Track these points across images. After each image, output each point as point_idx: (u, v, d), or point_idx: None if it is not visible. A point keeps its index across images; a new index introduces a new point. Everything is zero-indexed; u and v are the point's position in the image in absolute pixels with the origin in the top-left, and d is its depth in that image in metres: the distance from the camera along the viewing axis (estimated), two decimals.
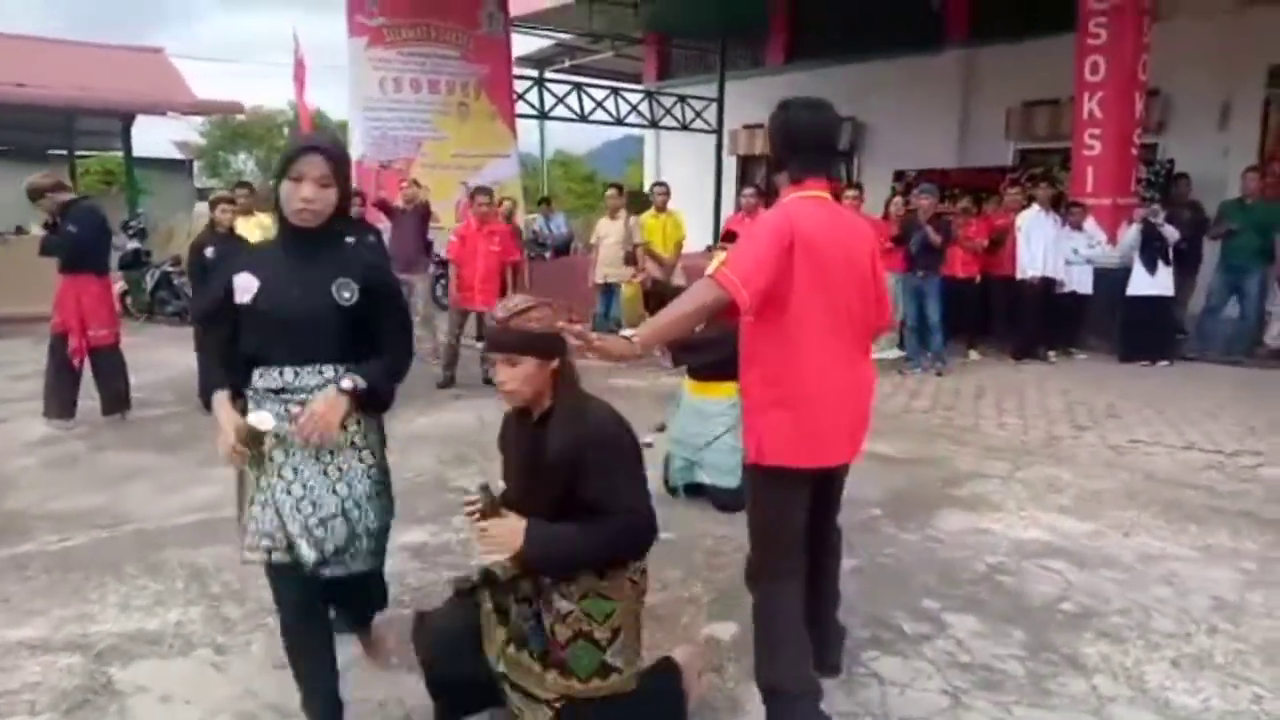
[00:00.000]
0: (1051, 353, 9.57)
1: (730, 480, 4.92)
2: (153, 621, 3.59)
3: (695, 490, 5.09)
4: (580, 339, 2.58)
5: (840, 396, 2.84)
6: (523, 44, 19.11)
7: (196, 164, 31.92)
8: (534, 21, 16.74)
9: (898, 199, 9.90)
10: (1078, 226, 9.63)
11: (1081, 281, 9.67)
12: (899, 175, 14.32)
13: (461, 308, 8.32)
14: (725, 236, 5.30)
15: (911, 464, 5.89)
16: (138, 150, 24.03)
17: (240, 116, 27.83)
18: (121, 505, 4.96)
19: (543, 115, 14.35)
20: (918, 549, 4.45)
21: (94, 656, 3.32)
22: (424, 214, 9.20)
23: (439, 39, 12.65)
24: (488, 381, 8.22)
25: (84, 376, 6.75)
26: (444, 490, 5.24)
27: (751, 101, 16.40)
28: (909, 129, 14.40)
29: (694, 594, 3.91)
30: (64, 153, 17.18)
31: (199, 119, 30.67)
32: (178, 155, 30.70)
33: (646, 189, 16.69)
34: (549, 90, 14.53)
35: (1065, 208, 9.87)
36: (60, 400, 6.64)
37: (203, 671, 3.25)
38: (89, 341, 6.69)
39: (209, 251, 7.13)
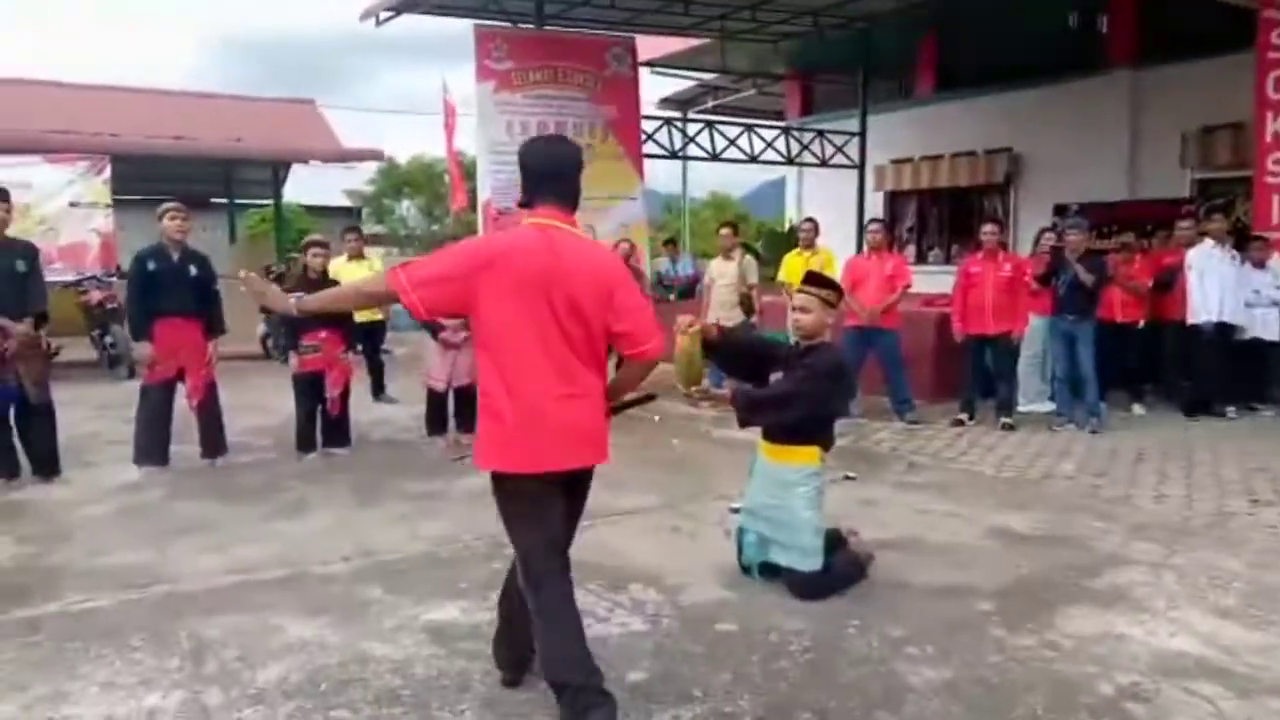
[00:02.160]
0: (1230, 408, 8.35)
1: (810, 563, 4.24)
2: (125, 707, 3.24)
3: (772, 570, 4.40)
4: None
5: (544, 414, 3.00)
6: (664, 86, 18.99)
7: (364, 211, 33.25)
8: (670, 64, 16.49)
9: (1047, 235, 8.91)
10: (1261, 264, 8.42)
11: (1266, 326, 8.43)
12: (1060, 210, 13.15)
13: None
14: (807, 278, 4.64)
15: (1042, 543, 5.01)
16: (311, 199, 25.34)
17: (388, 163, 29.01)
18: (163, 563, 4.72)
19: (673, 155, 13.97)
20: (1030, 660, 3.63)
21: None
22: None
23: (566, 81, 12.48)
24: None
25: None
26: (495, 560, 4.75)
27: (899, 135, 15.59)
28: (1070, 160, 13.26)
29: (736, 709, 3.24)
30: (225, 201, 18.02)
31: (369, 169, 32.08)
32: (347, 203, 32.11)
33: (792, 228, 16.17)
34: (679, 130, 14.13)
35: (1246, 243, 8.65)
36: (152, 446, 6.58)
37: None
38: (199, 382, 6.67)
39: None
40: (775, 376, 4.43)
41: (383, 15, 12.10)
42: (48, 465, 6.26)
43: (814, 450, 4.34)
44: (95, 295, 11.06)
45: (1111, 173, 12.81)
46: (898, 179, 16.04)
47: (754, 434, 4.50)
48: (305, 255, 7.29)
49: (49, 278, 11.47)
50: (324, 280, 7.13)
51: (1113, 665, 3.57)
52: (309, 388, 7.06)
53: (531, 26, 12.47)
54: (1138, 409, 8.59)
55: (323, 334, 6.95)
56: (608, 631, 3.88)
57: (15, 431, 6.21)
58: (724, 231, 9.51)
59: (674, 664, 3.58)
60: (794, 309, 4.46)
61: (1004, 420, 7.99)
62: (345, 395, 7.19)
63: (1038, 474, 6.52)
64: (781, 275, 9.25)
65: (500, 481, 3.11)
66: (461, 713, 3.21)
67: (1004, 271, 7.98)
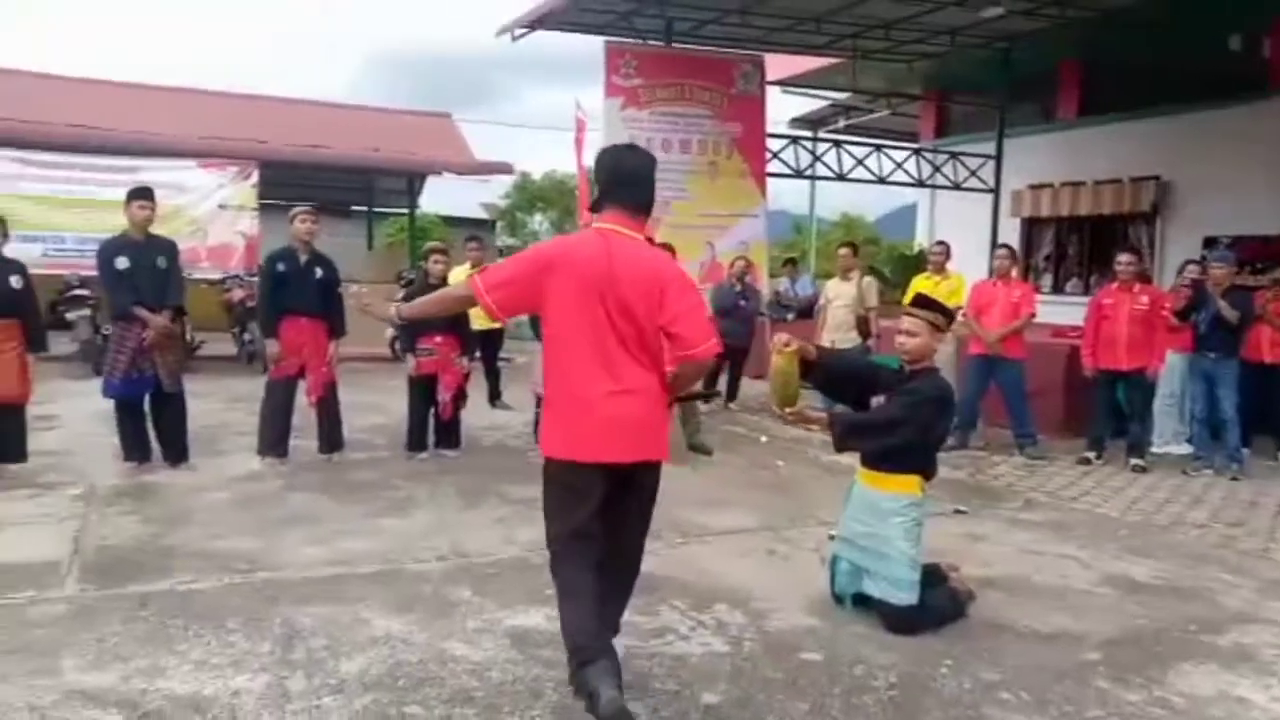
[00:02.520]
0: None
1: (904, 596, 4.07)
2: (213, 685, 3.35)
3: (865, 601, 4.24)
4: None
5: (590, 406, 3.16)
6: (796, 105, 18.83)
7: (498, 224, 34.13)
8: (802, 83, 16.32)
9: (1191, 267, 8.40)
10: None
11: None
12: (1210, 242, 12.40)
13: None
14: (915, 301, 4.48)
15: (1163, 594, 4.70)
16: (449, 210, 26.15)
17: (523, 178, 29.86)
18: (269, 551, 4.89)
19: (798, 174, 13.80)
20: (1135, 716, 3.38)
21: (136, 719, 3.09)
22: None
23: (693, 98, 12.51)
24: (693, 448, 7.71)
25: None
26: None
27: (1038, 159, 15.01)
28: (1224, 189, 12.46)
29: None
30: (364, 209, 18.73)
31: (505, 183, 32.98)
32: (483, 215, 33.02)
33: (920, 252, 15.75)
34: (806, 149, 13.96)
35: None
36: (274, 439, 6.84)
37: None
38: (319, 380, 6.91)
39: None
40: (877, 401, 4.29)
41: (517, 32, 12.40)
42: (177, 451, 6.57)
43: (914, 479, 4.17)
44: (237, 293, 11.64)
45: (1268, 204, 11.98)
46: (1035, 205, 15.39)
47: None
48: (426, 262, 7.47)
49: (197, 276, 12.37)
50: (444, 285, 7.31)
51: None
52: (423, 390, 7.23)
53: (661, 44, 12.56)
54: None
55: (438, 338, 7.12)
56: (688, 650, 3.82)
57: (150, 418, 6.55)
58: (842, 251, 9.31)
59: (752, 689, 3.48)
60: (900, 332, 4.30)
61: (1134, 461, 7.55)
62: (457, 399, 7.35)
63: (1166, 520, 6.12)
64: (907, 300, 8.97)
65: (547, 466, 3.31)
66: (530, 718, 3.20)
67: (1140, 304, 7.55)
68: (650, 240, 8.04)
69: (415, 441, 7.25)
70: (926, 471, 4.22)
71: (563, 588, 3.28)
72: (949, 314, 4.43)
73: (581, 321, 3.16)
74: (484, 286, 3.27)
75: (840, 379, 4.48)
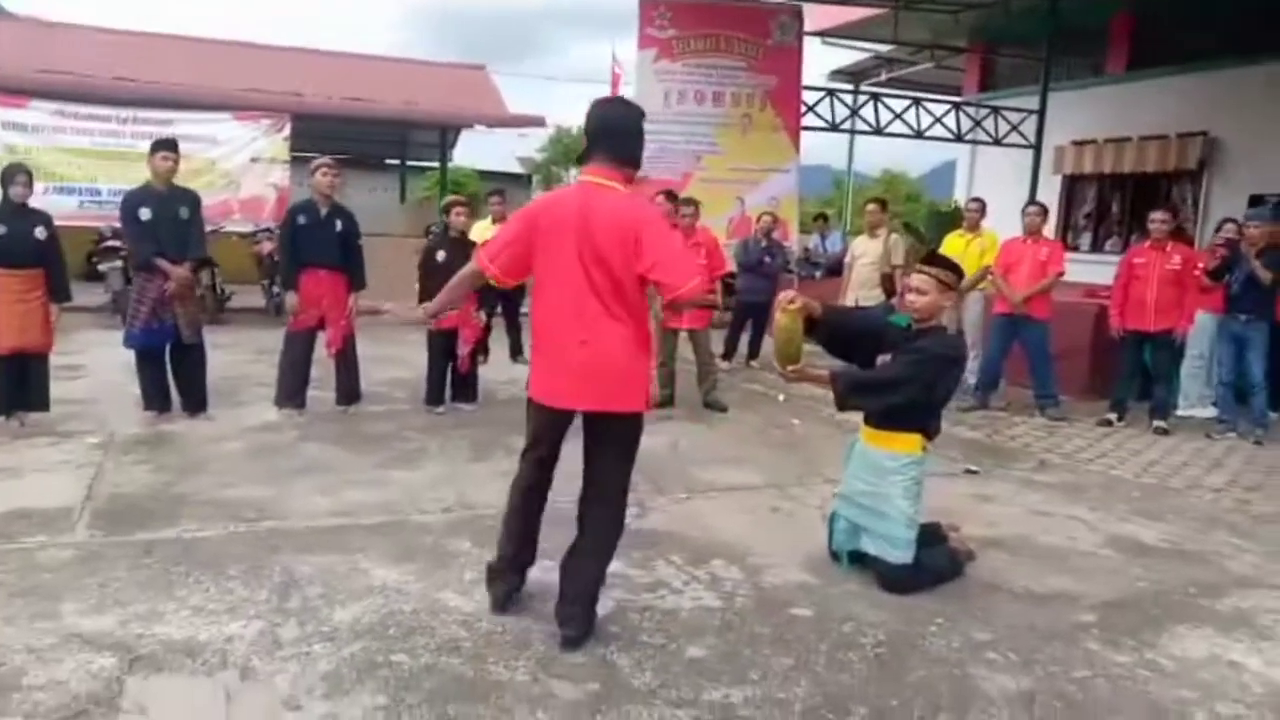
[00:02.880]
0: None
1: (900, 554, 4.06)
2: (208, 631, 3.43)
3: (862, 559, 4.23)
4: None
5: (563, 354, 3.34)
6: (837, 57, 18.47)
7: (534, 177, 34.04)
8: (844, 34, 16.00)
9: (1228, 225, 8.17)
10: None
11: None
12: (1257, 201, 12.05)
13: (669, 328, 7.74)
14: (925, 259, 4.39)
15: (1168, 557, 4.64)
16: (488, 164, 26.11)
17: (559, 131, 29.59)
18: (277, 500, 4.97)
19: (833, 127, 13.59)
20: (1122, 678, 3.36)
21: (129, 662, 3.18)
22: None
23: (728, 50, 12.37)
24: (709, 405, 7.71)
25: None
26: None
27: (1083, 115, 14.65)
28: (1273, 147, 12.07)
29: (790, 696, 3.14)
30: (397, 162, 18.75)
31: (542, 136, 32.81)
32: (519, 169, 32.92)
33: (956, 209, 15.45)
34: (843, 102, 13.72)
35: None
36: (292, 390, 6.93)
37: (214, 697, 3.01)
38: (338, 333, 6.98)
39: (440, 255, 7.21)
40: (883, 360, 4.25)
41: None
42: (196, 402, 6.69)
43: (916, 438, 4.13)
44: (267, 246, 11.73)
45: None
46: (1078, 161, 15.05)
47: None
48: (449, 216, 7.47)
49: (230, 228, 12.50)
50: (464, 239, 7.32)
51: (1217, 694, 3.27)
52: (442, 344, 7.27)
53: None
54: None
55: None
56: (679, 604, 3.84)
57: (170, 369, 6.67)
58: (870, 207, 9.15)
59: (738, 644, 3.50)
60: (909, 289, 4.23)
61: (1157, 424, 7.42)
62: (475, 354, 7.38)
63: (1182, 483, 6.03)
64: (898, 257, 8.84)
65: (528, 402, 3.54)
66: (515, 669, 3.24)
67: (1172, 264, 7.37)
68: (672, 195, 8.07)
69: (433, 395, 7.30)
70: (928, 430, 4.17)
71: (508, 505, 3.67)
72: (959, 272, 4.35)
73: (559, 272, 3.31)
74: (486, 257, 3.49)
75: (846, 337, 4.41)
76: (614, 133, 3.41)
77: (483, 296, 7.41)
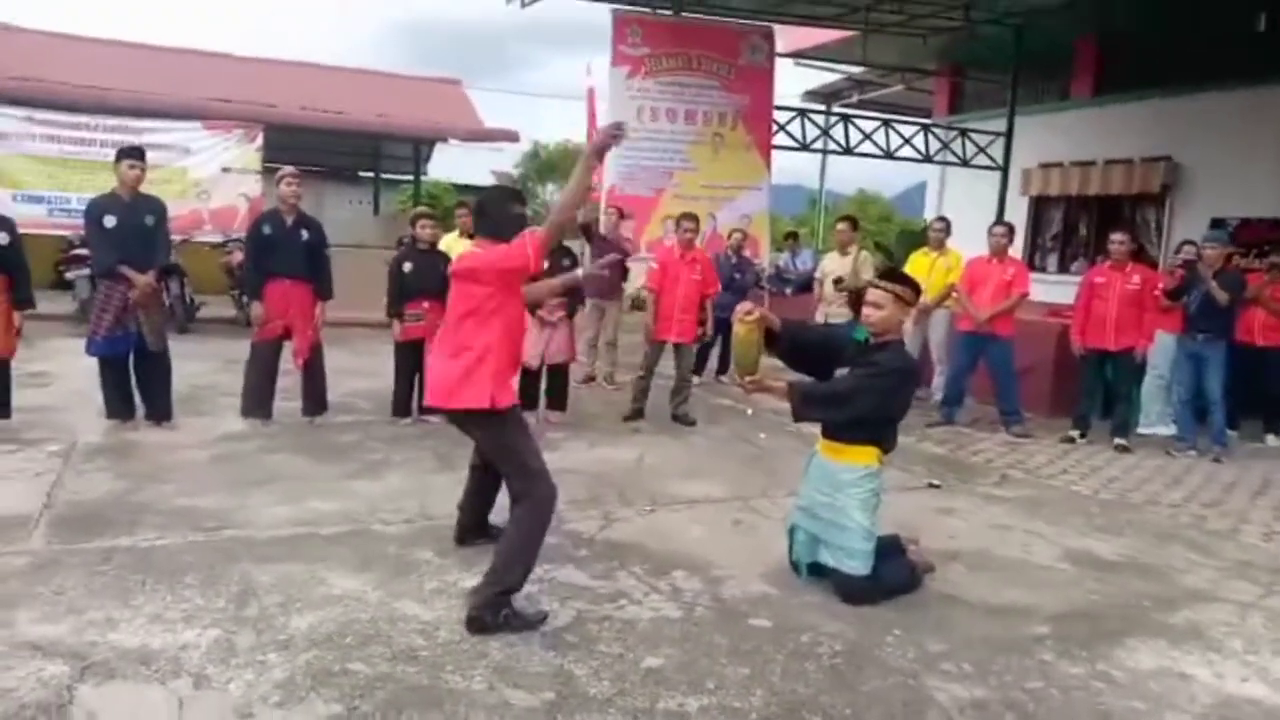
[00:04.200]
0: None
1: (857, 566, 4.10)
2: (163, 639, 3.41)
3: (821, 571, 4.26)
4: None
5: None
6: (810, 78, 18.63)
7: None
8: (816, 56, 16.16)
9: (1188, 247, 8.31)
10: None
11: None
12: (1217, 224, 12.25)
13: (658, 340, 7.84)
14: (883, 274, 4.46)
15: (1122, 570, 4.70)
16: (463, 178, 26.04)
17: (534, 147, 29.69)
18: (238, 509, 4.94)
19: (803, 147, 13.70)
20: (1074, 689, 3.40)
21: (80, 670, 3.16)
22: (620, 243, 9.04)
23: (700, 69, 12.45)
24: (677, 418, 7.74)
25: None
26: (552, 533, 4.75)
27: (1050, 138, 14.85)
28: (1235, 172, 12.33)
29: (746, 705, 3.16)
30: (371, 175, 18.73)
31: (518, 151, 32.84)
32: (494, 183, 32.94)
33: (925, 228, 15.60)
34: (814, 122, 13.85)
35: None
36: (258, 400, 6.90)
37: (165, 705, 2.99)
38: (305, 343, 6.94)
39: (407, 266, 7.22)
40: (841, 373, 4.29)
41: None
42: (161, 411, 6.63)
43: (872, 450, 4.18)
44: (237, 256, 11.65)
45: (1278, 188, 11.84)
46: (1045, 184, 15.24)
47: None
48: (414, 227, 7.47)
49: (200, 239, 12.43)
50: (433, 251, 7.33)
51: (1165, 704, 3.32)
52: (410, 355, 7.25)
53: (669, 13, 12.47)
54: (1271, 440, 7.97)
55: (426, 304, 7.13)
56: (638, 615, 3.85)
57: (134, 377, 6.61)
58: (841, 226, 9.25)
59: (695, 654, 3.52)
60: (866, 304, 4.28)
61: (1118, 441, 7.52)
62: None
63: (1140, 499, 6.11)
64: (868, 273, 8.94)
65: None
66: (472, 677, 3.25)
67: (1132, 284, 7.49)
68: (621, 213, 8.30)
69: (399, 406, 7.28)
70: (884, 443, 4.22)
71: None
72: (916, 287, 4.40)
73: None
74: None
75: (804, 350, 4.47)
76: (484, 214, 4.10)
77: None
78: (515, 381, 4.11)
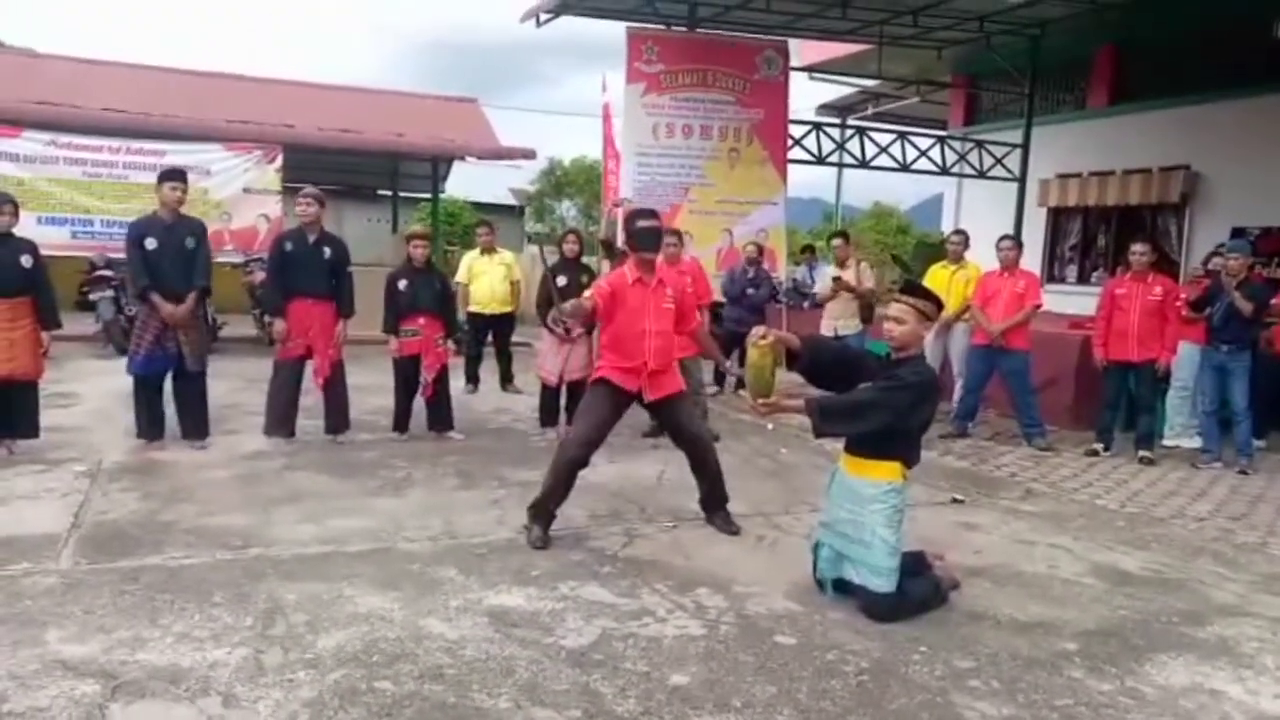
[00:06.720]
0: None
1: (883, 583, 4.07)
2: (192, 658, 3.43)
3: (846, 587, 4.24)
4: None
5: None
6: (825, 91, 18.68)
7: (526, 209, 34.18)
8: (831, 69, 16.20)
9: (1215, 259, 8.25)
10: None
11: None
12: (1238, 233, 12.17)
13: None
14: (904, 288, 4.45)
15: (1150, 585, 4.66)
16: (480, 196, 26.18)
17: (552, 163, 29.85)
18: (263, 528, 4.98)
19: (820, 161, 13.71)
20: (1104, 706, 3.37)
21: (111, 689, 3.18)
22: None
23: (715, 84, 12.45)
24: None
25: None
26: (574, 551, 4.80)
27: (1067, 148, 14.81)
28: (1256, 181, 12.22)
29: None
30: (389, 193, 18.87)
31: (535, 168, 33.01)
32: (512, 201, 33.04)
33: (943, 240, 15.56)
34: (829, 136, 13.86)
35: None
36: (280, 419, 6.94)
37: None
38: (326, 361, 6.98)
39: (401, 284, 7.26)
40: (862, 387, 4.28)
41: (542, 16, 12.40)
42: (197, 429, 6.70)
43: (895, 466, 4.16)
44: (258, 276, 11.75)
45: None
46: (1063, 194, 15.19)
47: None
48: (407, 246, 7.50)
49: (221, 259, 12.50)
50: (428, 268, 7.39)
51: None
52: (406, 371, 7.29)
53: (684, 29, 12.52)
54: None
55: (422, 320, 7.19)
56: (663, 632, 3.85)
57: (170, 397, 6.66)
58: (836, 243, 9.31)
59: (721, 672, 3.51)
60: (888, 318, 4.28)
61: (1142, 454, 7.47)
62: (439, 380, 7.36)
63: (1166, 512, 6.06)
64: (869, 282, 8.97)
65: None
66: (498, 696, 3.25)
67: (1153, 295, 7.44)
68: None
69: (399, 421, 7.34)
70: (908, 459, 4.20)
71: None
72: (938, 302, 4.39)
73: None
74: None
75: (826, 367, 4.45)
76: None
77: (449, 325, 7.42)
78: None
